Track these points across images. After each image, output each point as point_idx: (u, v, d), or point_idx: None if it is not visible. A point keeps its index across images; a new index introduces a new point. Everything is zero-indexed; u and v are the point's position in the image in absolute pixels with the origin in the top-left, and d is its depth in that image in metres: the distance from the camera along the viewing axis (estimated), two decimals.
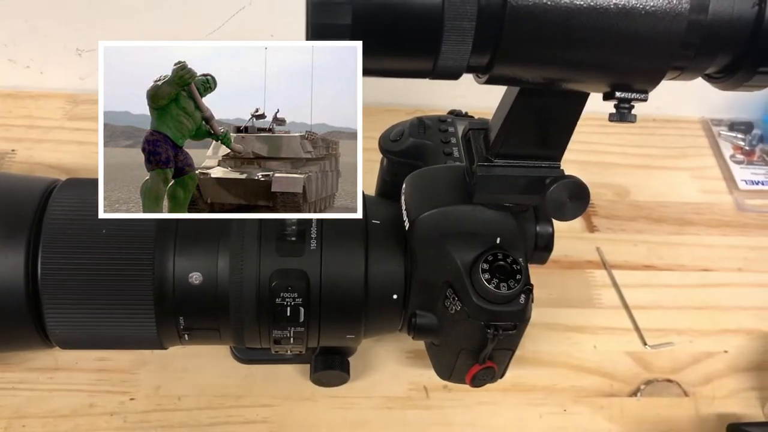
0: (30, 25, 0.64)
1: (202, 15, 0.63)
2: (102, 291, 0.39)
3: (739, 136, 0.72)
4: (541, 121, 0.34)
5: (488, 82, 0.31)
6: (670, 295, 0.60)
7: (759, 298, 0.61)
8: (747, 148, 0.71)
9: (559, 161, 0.36)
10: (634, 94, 0.31)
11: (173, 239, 0.40)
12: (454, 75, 0.30)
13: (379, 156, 0.51)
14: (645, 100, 0.31)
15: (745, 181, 0.68)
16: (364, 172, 0.62)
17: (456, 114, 0.50)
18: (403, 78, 0.30)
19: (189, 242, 0.40)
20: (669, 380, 0.55)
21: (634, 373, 0.55)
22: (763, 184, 0.68)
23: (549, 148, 0.36)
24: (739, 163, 0.70)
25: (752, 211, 0.67)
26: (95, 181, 0.43)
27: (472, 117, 0.51)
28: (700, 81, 0.71)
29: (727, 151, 0.71)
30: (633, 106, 0.32)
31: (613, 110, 0.32)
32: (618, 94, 0.31)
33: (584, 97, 0.33)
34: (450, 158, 0.46)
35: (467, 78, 0.72)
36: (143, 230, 0.40)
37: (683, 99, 0.73)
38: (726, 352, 0.57)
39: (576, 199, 0.35)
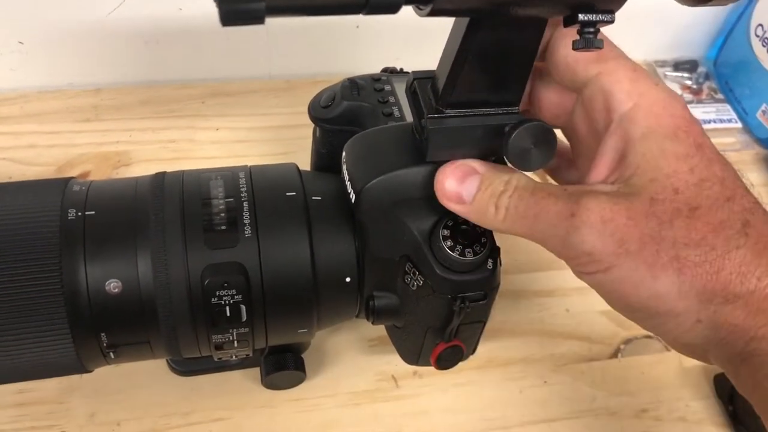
0: None
1: None
2: (2, 316, 0.33)
3: (685, 75, 0.70)
4: (496, 60, 0.30)
5: (432, 13, 0.26)
6: None
7: None
8: (694, 86, 0.68)
9: (518, 105, 0.32)
10: (599, 15, 0.27)
11: (81, 243, 0.34)
12: (391, 7, 0.25)
13: (311, 129, 0.46)
14: (611, 21, 0.28)
15: None
16: (296, 149, 0.57)
17: (390, 71, 0.45)
18: (334, 15, 0.25)
19: (100, 244, 0.34)
20: (648, 336, 0.51)
21: (612, 332, 0.51)
22: (714, 122, 0.66)
23: (506, 91, 0.31)
24: (688, 103, 0.67)
25: None
26: None
27: (407, 73, 0.46)
28: (639, 22, 0.67)
29: (675, 91, 0.68)
30: (599, 30, 0.28)
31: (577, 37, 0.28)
32: (581, 16, 0.27)
33: (542, 25, 0.29)
34: (390, 119, 0.41)
35: (400, 36, 0.66)
36: (44, 236, 0.34)
37: (623, 43, 0.69)
38: None
39: (541, 144, 0.31)
